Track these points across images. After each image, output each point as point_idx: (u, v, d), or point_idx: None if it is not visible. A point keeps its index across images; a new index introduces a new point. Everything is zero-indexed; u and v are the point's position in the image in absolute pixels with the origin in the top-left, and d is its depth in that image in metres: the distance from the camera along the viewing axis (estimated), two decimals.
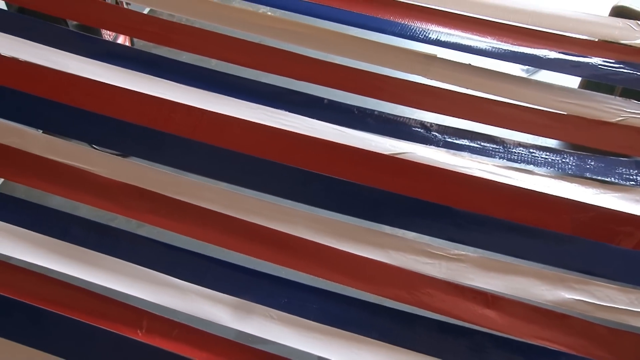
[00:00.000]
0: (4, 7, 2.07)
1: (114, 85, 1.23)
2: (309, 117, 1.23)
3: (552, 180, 1.14)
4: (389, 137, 1.21)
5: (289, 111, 1.23)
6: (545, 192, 1.11)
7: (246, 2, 1.61)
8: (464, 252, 1.10)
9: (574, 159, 1.18)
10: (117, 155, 1.24)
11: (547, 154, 1.18)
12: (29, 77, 1.27)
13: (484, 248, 1.12)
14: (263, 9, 1.96)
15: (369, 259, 1.10)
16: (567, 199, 1.10)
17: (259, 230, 1.12)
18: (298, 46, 1.42)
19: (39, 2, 1.46)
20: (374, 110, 1.27)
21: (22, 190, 1.35)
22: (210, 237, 1.13)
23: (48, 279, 1.09)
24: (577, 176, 1.15)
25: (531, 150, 1.19)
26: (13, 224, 1.12)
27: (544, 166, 1.17)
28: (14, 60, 1.31)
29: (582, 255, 1.09)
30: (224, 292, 1.09)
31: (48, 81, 1.25)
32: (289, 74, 1.36)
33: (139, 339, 1.01)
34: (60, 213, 1.16)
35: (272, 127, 1.19)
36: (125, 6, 2.08)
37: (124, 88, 1.23)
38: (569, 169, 1.17)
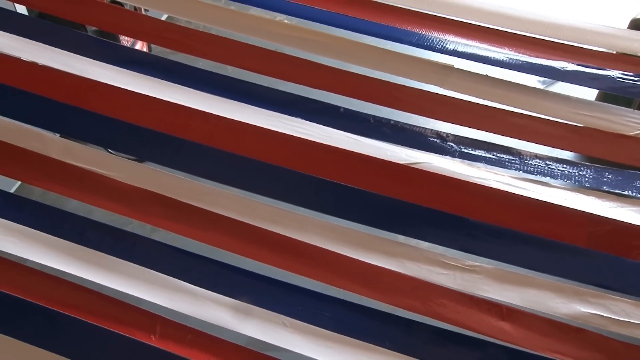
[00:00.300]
0: (26, 13, 2.10)
1: (132, 91, 1.24)
2: (325, 125, 1.23)
3: (569, 192, 1.14)
4: (404, 146, 1.21)
5: (305, 119, 1.24)
6: (562, 204, 1.10)
7: (263, 10, 1.62)
8: (478, 263, 1.10)
9: (591, 171, 1.17)
10: (133, 160, 1.25)
11: (564, 166, 1.18)
12: (48, 81, 1.28)
13: (499, 260, 1.11)
14: (280, 17, 1.97)
15: (383, 268, 1.10)
16: (584, 211, 1.09)
17: (273, 238, 1.12)
18: (314, 54, 1.42)
19: (59, 7, 1.48)
20: (390, 120, 1.27)
21: (38, 193, 1.36)
22: (224, 244, 1.13)
23: (63, 282, 1.09)
24: (594, 189, 1.15)
25: (548, 162, 1.18)
26: (30, 227, 1.13)
27: (561, 178, 1.17)
28: (33, 65, 1.32)
29: (598, 268, 1.08)
30: (237, 299, 1.09)
31: (67, 86, 1.27)
32: (305, 82, 1.37)
33: (152, 344, 1.01)
34: (76, 217, 1.17)
35: (288, 134, 1.19)
36: (143, 12, 2.09)
37: (142, 94, 1.24)
38: (586, 181, 1.16)
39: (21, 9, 2.00)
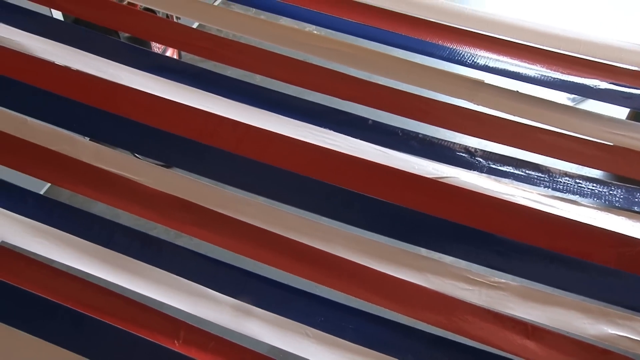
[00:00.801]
0: (62, 18, 2.14)
1: (163, 98, 1.26)
2: (353, 137, 1.23)
3: (599, 212, 1.12)
4: (432, 160, 1.21)
5: (333, 130, 1.24)
6: (591, 223, 1.09)
7: (293, 21, 1.63)
8: (504, 280, 1.09)
9: (621, 191, 1.16)
10: (160, 165, 1.26)
11: (594, 185, 1.17)
12: (81, 86, 1.30)
13: (525, 277, 1.10)
14: (309, 27, 1.98)
15: (407, 281, 1.09)
16: (614, 231, 1.08)
17: (298, 247, 1.12)
18: (343, 65, 1.43)
19: (94, 14, 1.50)
20: (418, 133, 1.26)
21: (66, 196, 1.38)
22: (249, 252, 1.13)
23: (89, 284, 1.10)
24: (625, 209, 1.13)
25: (577, 180, 1.17)
26: (59, 229, 1.14)
27: (590, 197, 1.15)
28: (67, 70, 1.35)
29: (627, 290, 1.07)
30: (260, 307, 1.09)
31: (99, 91, 1.29)
32: (333, 93, 1.37)
33: (175, 350, 1.02)
34: (105, 220, 1.18)
35: (316, 145, 1.20)
36: (175, 20, 2.12)
37: (172, 101, 1.25)
38: (616, 201, 1.14)
39: (57, 15, 2.04)
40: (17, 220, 1.16)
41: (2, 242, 1.16)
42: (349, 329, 1.08)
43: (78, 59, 1.37)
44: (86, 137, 1.39)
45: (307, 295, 1.12)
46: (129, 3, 1.84)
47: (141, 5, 1.85)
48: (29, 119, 1.24)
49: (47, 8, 1.80)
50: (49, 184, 2.14)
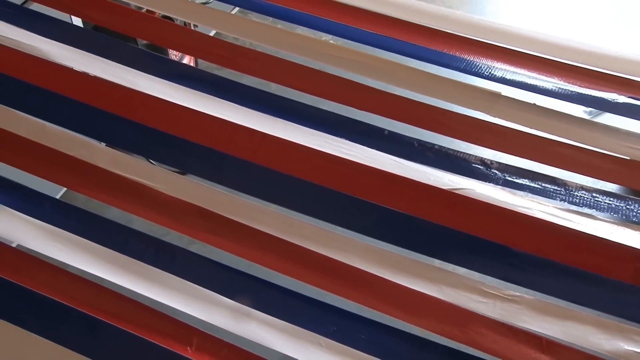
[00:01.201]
0: (81, 25, 2.16)
1: (180, 105, 1.26)
2: (369, 147, 1.23)
3: (615, 226, 1.12)
4: (448, 171, 1.21)
5: (350, 140, 1.24)
6: (608, 238, 1.08)
7: (309, 30, 1.64)
8: (518, 293, 1.08)
9: (639, 206, 1.15)
10: (175, 172, 1.27)
11: (611, 199, 1.16)
12: (99, 92, 1.31)
13: (540, 291, 1.09)
14: (325, 36, 1.99)
15: (421, 293, 1.09)
16: (631, 246, 1.07)
17: (313, 257, 1.12)
18: (359, 75, 1.43)
19: (112, 21, 1.51)
20: (434, 144, 1.26)
21: (82, 200, 1.39)
22: (263, 260, 1.13)
23: (104, 290, 1.11)
24: None
25: (594, 194, 1.16)
26: (75, 234, 1.15)
27: (607, 211, 1.14)
28: (85, 75, 1.36)
29: None
30: (273, 315, 1.09)
31: (117, 97, 1.29)
32: (349, 102, 1.37)
33: (188, 356, 1.02)
34: (120, 226, 1.19)
35: (332, 154, 1.20)
36: (192, 28, 2.14)
37: (190, 108, 1.26)
38: (634, 216, 1.14)
39: (77, 21, 2.06)
40: (34, 224, 1.17)
41: (18, 245, 1.17)
42: (361, 339, 1.07)
43: (97, 66, 1.38)
44: (102, 143, 1.40)
45: (320, 304, 1.12)
46: (147, 11, 1.85)
47: (159, 13, 1.86)
48: (47, 124, 1.25)
49: (68, 15, 1.82)
50: (64, 189, 2.15)
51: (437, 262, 1.15)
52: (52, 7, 1.52)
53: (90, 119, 1.29)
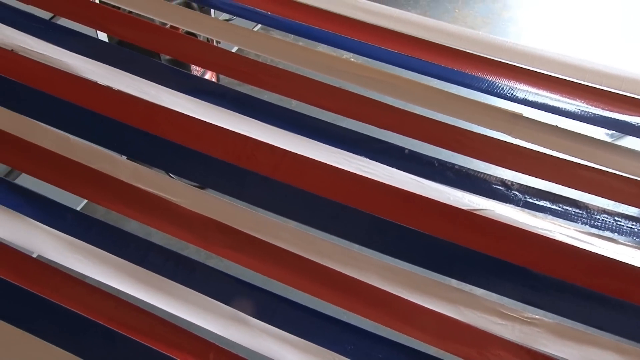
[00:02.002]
0: (106, 40, 2.20)
1: (203, 121, 1.28)
2: (389, 165, 1.23)
3: (638, 251, 1.10)
4: (467, 192, 1.20)
5: (370, 158, 1.25)
6: (630, 262, 1.07)
7: (330, 48, 1.65)
8: (538, 316, 1.07)
9: None
10: (195, 186, 1.28)
11: (633, 223, 1.15)
12: (123, 106, 1.33)
13: (560, 314, 1.08)
14: (346, 54, 2.00)
15: (439, 313, 1.08)
16: None
17: (331, 274, 1.12)
18: (380, 94, 1.43)
19: (137, 36, 1.54)
20: (454, 164, 1.26)
21: (101, 212, 1.40)
22: (282, 276, 1.13)
23: (122, 302, 1.11)
24: None
25: (616, 218, 1.15)
26: (95, 246, 1.16)
27: (630, 236, 1.13)
28: (109, 90, 1.38)
29: None
30: (290, 332, 1.09)
31: (140, 111, 1.31)
32: (369, 120, 1.38)
33: None
34: (140, 239, 1.19)
35: (352, 173, 1.20)
36: (215, 44, 2.16)
37: (212, 124, 1.27)
38: None
39: (102, 36, 2.09)
40: (55, 236, 1.18)
41: (39, 256, 1.18)
42: (378, 358, 1.07)
43: (121, 80, 1.40)
44: (123, 156, 1.41)
45: (337, 322, 1.11)
46: (171, 27, 1.88)
47: (183, 29, 1.89)
48: (71, 137, 1.26)
49: (94, 30, 1.85)
50: (85, 200, 2.17)
51: (454, 282, 1.15)
52: (79, 22, 1.55)
53: (114, 132, 1.30)
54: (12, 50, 1.39)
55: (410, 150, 1.30)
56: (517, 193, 1.21)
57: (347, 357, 1.06)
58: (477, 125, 1.34)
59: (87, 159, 1.24)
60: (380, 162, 1.24)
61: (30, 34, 1.43)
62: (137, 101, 1.33)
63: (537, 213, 1.17)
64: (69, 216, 1.24)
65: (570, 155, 1.27)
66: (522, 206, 1.18)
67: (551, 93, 1.39)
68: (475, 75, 1.43)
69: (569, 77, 1.42)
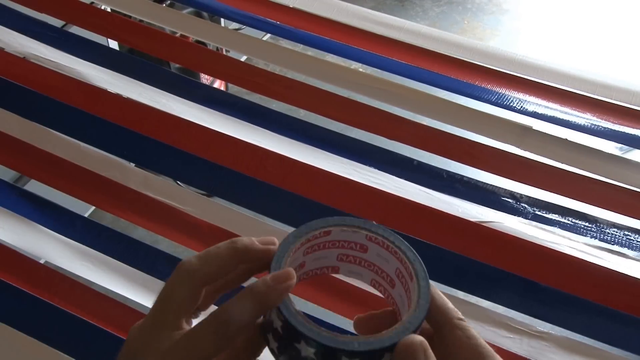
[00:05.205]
0: (117, 48, 2.21)
1: (213, 130, 1.28)
2: (398, 176, 1.23)
3: None
4: (476, 204, 1.20)
5: (378, 169, 1.25)
6: None
7: (339, 58, 1.65)
8: (546, 330, 1.07)
9: None
10: (203, 194, 1.28)
11: None
12: (134, 114, 1.33)
13: (569, 328, 1.08)
14: (355, 65, 2.01)
15: None
16: None
17: (341, 286, 1.12)
18: (388, 104, 1.43)
19: (147, 45, 1.55)
20: (463, 176, 1.26)
21: (109, 220, 1.40)
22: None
23: (130, 310, 1.11)
24: None
25: (626, 232, 1.15)
26: (104, 253, 1.16)
27: None
28: (118, 97, 1.38)
29: None
30: None
31: (151, 120, 1.32)
32: (378, 131, 1.38)
33: None
34: (149, 247, 1.19)
35: (361, 183, 1.20)
36: (224, 53, 2.17)
37: (222, 133, 1.27)
38: None
39: (113, 44, 2.11)
40: (64, 243, 1.19)
41: (46, 262, 1.19)
42: None
43: (131, 88, 1.41)
44: (131, 164, 1.42)
45: (346, 333, 1.11)
46: (181, 35, 1.89)
47: (193, 38, 1.90)
48: (82, 144, 1.27)
49: (105, 38, 1.86)
50: (93, 207, 2.18)
51: (461, 294, 1.14)
52: (90, 30, 1.56)
53: (124, 140, 1.31)
54: (24, 57, 1.40)
55: (419, 162, 1.30)
56: (526, 206, 1.21)
57: None
58: (486, 137, 1.34)
59: (97, 167, 1.24)
60: (389, 173, 1.24)
61: (43, 42, 1.45)
62: (147, 109, 1.34)
63: (546, 226, 1.17)
64: (78, 223, 1.24)
65: (580, 169, 1.26)
66: (530, 219, 1.18)
67: (561, 106, 1.39)
68: (485, 88, 1.44)
69: (579, 90, 1.42)
